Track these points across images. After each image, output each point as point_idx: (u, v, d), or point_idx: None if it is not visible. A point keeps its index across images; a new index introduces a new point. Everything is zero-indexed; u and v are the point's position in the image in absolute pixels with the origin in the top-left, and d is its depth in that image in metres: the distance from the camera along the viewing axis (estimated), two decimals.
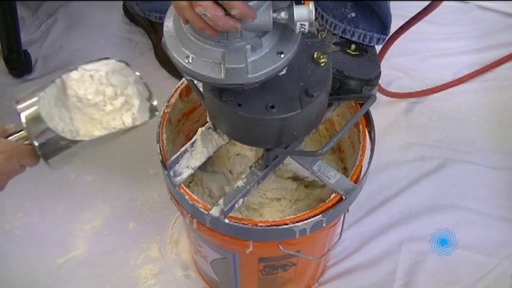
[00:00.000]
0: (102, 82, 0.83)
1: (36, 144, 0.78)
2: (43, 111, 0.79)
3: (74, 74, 0.83)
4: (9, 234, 1.22)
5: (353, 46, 1.02)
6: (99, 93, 0.82)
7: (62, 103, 0.82)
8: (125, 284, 1.16)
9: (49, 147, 0.79)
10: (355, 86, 0.96)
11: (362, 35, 1.02)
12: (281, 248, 0.86)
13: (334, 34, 1.03)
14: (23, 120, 0.78)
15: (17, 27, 1.43)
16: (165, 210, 1.25)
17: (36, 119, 0.78)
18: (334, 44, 1.02)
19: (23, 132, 0.79)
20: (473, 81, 1.46)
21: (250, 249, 0.86)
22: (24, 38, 1.48)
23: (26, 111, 0.78)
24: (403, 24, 1.04)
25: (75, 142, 0.79)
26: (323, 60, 0.78)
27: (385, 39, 1.06)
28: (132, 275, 1.17)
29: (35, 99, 0.79)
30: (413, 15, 1.01)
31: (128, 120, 0.81)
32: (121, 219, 1.24)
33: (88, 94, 0.82)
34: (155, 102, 0.83)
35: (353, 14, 1.01)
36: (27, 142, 0.79)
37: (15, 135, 0.80)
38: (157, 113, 0.83)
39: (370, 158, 0.89)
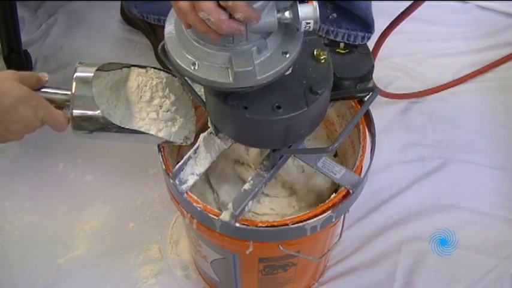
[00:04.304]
0: (163, 92, 0.89)
1: (74, 111, 0.81)
2: (97, 87, 0.83)
3: (142, 72, 0.88)
4: (9, 234, 1.22)
5: (341, 44, 1.02)
6: (153, 99, 0.87)
7: (116, 89, 0.87)
8: (125, 284, 1.16)
9: (84, 119, 0.81)
10: (348, 86, 0.97)
11: (346, 35, 1.03)
12: (281, 248, 0.86)
13: (321, 36, 1.04)
14: (73, 85, 0.81)
15: (17, 27, 1.43)
16: (165, 210, 1.25)
17: (86, 86, 0.81)
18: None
19: (67, 92, 0.82)
20: (473, 81, 1.46)
21: (250, 250, 0.86)
22: (24, 38, 1.48)
23: (80, 76, 0.82)
24: (392, 22, 1.05)
25: (108, 126, 0.82)
26: (323, 56, 0.79)
27: (370, 37, 1.06)
28: (132, 275, 1.17)
29: (92, 73, 0.82)
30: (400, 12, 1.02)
31: (162, 133, 0.87)
32: (121, 219, 1.24)
33: (144, 95, 0.87)
34: (192, 135, 0.90)
35: (334, 15, 1.01)
36: (63, 97, 0.82)
37: (55, 90, 0.83)
38: (189, 142, 0.89)
39: (371, 157, 0.89)
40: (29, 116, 0.78)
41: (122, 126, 0.83)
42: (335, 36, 1.02)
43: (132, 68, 0.88)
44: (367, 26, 1.04)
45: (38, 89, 0.82)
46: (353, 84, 0.97)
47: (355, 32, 1.02)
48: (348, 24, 1.02)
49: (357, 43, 1.03)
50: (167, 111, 0.88)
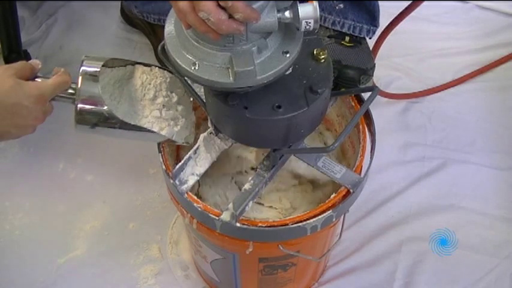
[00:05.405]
0: (166, 91, 0.89)
1: (79, 105, 0.81)
2: (100, 83, 0.83)
3: (147, 70, 0.88)
4: (9, 234, 1.22)
5: (347, 38, 1.03)
6: (157, 97, 0.87)
7: (119, 86, 0.87)
8: (125, 284, 1.16)
9: (88, 113, 0.81)
10: (353, 75, 0.97)
11: (352, 26, 1.03)
12: (281, 248, 0.86)
13: (327, 28, 1.04)
14: (79, 79, 0.81)
15: (17, 27, 1.43)
16: (165, 210, 1.24)
17: (92, 80, 0.81)
18: (328, 37, 1.03)
19: (72, 86, 0.82)
20: (473, 81, 1.46)
21: (250, 250, 0.86)
22: (24, 38, 1.48)
23: (87, 70, 0.82)
24: (391, 22, 1.06)
25: (112, 121, 0.82)
26: (323, 56, 0.79)
27: (375, 31, 1.07)
28: (132, 275, 1.17)
29: (98, 67, 0.82)
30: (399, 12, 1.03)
31: (165, 131, 0.86)
32: (121, 219, 1.24)
33: (147, 93, 0.87)
34: (192, 137, 0.90)
35: (341, 5, 1.02)
36: (68, 91, 0.82)
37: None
38: (189, 143, 0.88)
39: (371, 157, 0.89)
40: (35, 108, 0.78)
41: (126, 121, 0.83)
42: (341, 27, 1.03)
43: (137, 65, 0.88)
44: (372, 18, 1.05)
45: (33, 78, 0.82)
46: (357, 75, 0.97)
47: (361, 24, 1.03)
48: (354, 15, 1.02)
49: (362, 35, 1.04)
50: (170, 110, 0.88)
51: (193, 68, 0.72)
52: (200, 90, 0.87)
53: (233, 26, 0.66)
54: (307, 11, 0.68)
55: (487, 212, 1.24)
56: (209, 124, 0.87)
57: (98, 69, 0.82)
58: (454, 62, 1.50)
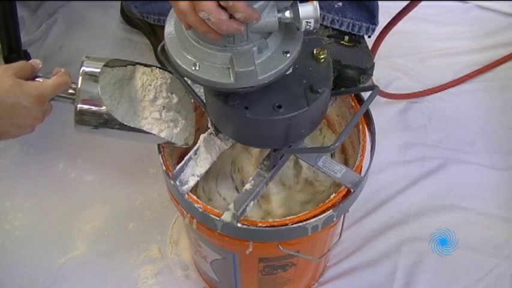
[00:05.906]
0: (167, 92, 0.89)
1: (79, 106, 0.81)
2: (101, 82, 0.83)
3: (147, 71, 0.88)
4: (9, 234, 1.22)
5: (346, 37, 1.03)
6: (157, 99, 0.87)
7: (119, 86, 0.87)
8: (125, 284, 1.16)
9: (88, 114, 0.81)
10: (353, 75, 0.97)
11: (351, 24, 1.03)
12: (281, 248, 0.86)
13: (326, 27, 1.04)
14: (79, 79, 0.81)
15: (17, 27, 1.43)
16: (165, 210, 1.25)
17: (92, 81, 0.81)
18: (327, 36, 1.03)
19: (72, 86, 0.82)
20: (473, 81, 1.47)
21: (250, 250, 0.86)
22: (24, 38, 1.48)
23: (87, 70, 0.82)
24: (389, 21, 1.06)
25: (111, 123, 0.82)
26: (323, 56, 0.79)
27: (374, 29, 1.07)
28: (132, 275, 1.17)
29: (99, 68, 0.82)
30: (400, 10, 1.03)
31: (164, 134, 0.86)
32: (121, 219, 1.24)
33: (148, 94, 0.87)
34: (192, 137, 0.90)
35: (340, 4, 1.02)
36: (68, 90, 0.82)
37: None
38: (188, 145, 0.88)
39: (371, 157, 0.89)
40: (34, 108, 0.78)
41: (125, 123, 0.83)
42: (340, 26, 1.03)
43: (137, 66, 0.88)
44: (371, 16, 1.04)
45: (34, 78, 0.82)
46: (357, 74, 0.97)
47: (360, 22, 1.03)
48: (353, 13, 1.02)
49: (361, 34, 1.04)
50: (170, 112, 0.88)
51: (193, 68, 0.72)
52: (200, 91, 0.87)
53: (234, 26, 0.66)
54: (308, 11, 0.68)
55: (487, 212, 1.24)
56: (209, 124, 0.87)
57: (98, 70, 0.82)
58: (454, 62, 1.50)
